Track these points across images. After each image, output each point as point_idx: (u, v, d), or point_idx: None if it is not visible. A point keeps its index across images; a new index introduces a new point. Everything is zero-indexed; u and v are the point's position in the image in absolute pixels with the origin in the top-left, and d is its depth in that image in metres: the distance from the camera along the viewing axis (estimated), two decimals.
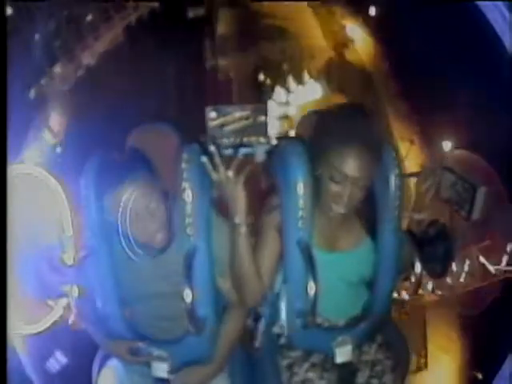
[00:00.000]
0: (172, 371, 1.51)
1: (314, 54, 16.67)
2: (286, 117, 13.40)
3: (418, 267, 1.44)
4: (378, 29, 16.08)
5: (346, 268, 1.48)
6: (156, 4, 19.00)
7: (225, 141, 1.58)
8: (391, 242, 1.47)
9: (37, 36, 14.21)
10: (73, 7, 15.41)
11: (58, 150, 10.89)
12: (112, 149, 1.43)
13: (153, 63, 13.50)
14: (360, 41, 17.49)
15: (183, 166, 1.36)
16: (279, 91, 13.87)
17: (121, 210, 1.28)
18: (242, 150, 1.61)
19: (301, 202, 1.34)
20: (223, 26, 17.27)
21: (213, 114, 1.60)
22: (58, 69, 14.70)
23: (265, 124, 1.61)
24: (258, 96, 13.80)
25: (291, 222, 1.37)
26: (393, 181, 1.41)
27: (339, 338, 1.51)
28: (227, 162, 1.35)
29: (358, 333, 1.53)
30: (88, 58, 15.72)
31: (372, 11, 16.81)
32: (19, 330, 1.44)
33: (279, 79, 14.79)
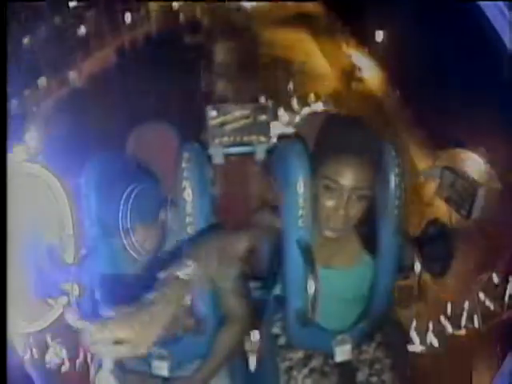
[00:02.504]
0: (172, 370, 1.51)
1: (319, 78, 16.48)
2: None
3: (417, 267, 1.44)
4: (386, 55, 15.82)
5: (341, 285, 1.47)
6: (152, 28, 18.68)
7: (225, 139, 1.59)
8: (391, 243, 1.47)
9: (25, 40, 13.90)
10: (65, 17, 15.06)
11: None
12: (113, 148, 1.43)
13: (145, 88, 13.17)
14: (368, 69, 17.27)
15: (183, 165, 1.36)
16: (283, 114, 13.34)
17: (121, 209, 1.28)
18: (243, 149, 1.62)
19: (301, 201, 1.34)
20: (221, 54, 16.90)
21: (213, 113, 1.61)
22: (43, 82, 14.35)
23: (265, 123, 1.61)
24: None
25: (291, 221, 1.37)
26: (393, 180, 1.40)
27: (339, 337, 1.52)
28: (227, 161, 1.35)
29: (357, 332, 1.54)
30: (75, 75, 15.40)
31: (379, 37, 16.58)
32: (19, 328, 1.44)
33: (282, 101, 14.38)
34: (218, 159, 1.64)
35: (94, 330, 0.86)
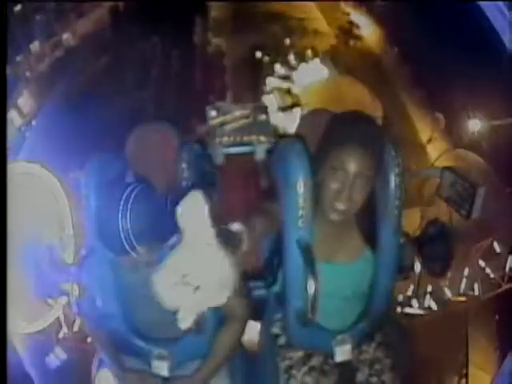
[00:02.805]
0: (172, 370, 1.51)
1: (317, 32, 16.20)
2: (288, 91, 12.72)
3: (417, 267, 1.44)
4: (384, 13, 15.60)
5: (342, 281, 1.47)
6: None
7: (225, 139, 1.59)
8: (391, 242, 1.47)
9: (17, 7, 13.49)
10: None
11: (27, 134, 10.34)
12: (113, 148, 1.43)
13: (139, 45, 12.86)
14: (366, 26, 17.07)
15: (183, 165, 1.36)
16: (279, 69, 13.19)
17: (121, 209, 1.28)
18: (243, 149, 1.62)
19: (301, 201, 1.34)
20: (217, 9, 16.65)
21: (213, 113, 1.60)
22: (35, 47, 13.91)
23: (265, 123, 1.61)
24: (255, 73, 13.15)
25: (291, 221, 1.37)
26: (393, 180, 1.40)
27: (339, 336, 1.52)
28: (227, 160, 1.35)
29: (357, 332, 1.54)
30: (68, 37, 14.86)
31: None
32: (19, 328, 1.44)
33: (279, 57, 14.15)
34: (218, 159, 1.65)
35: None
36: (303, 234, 1.36)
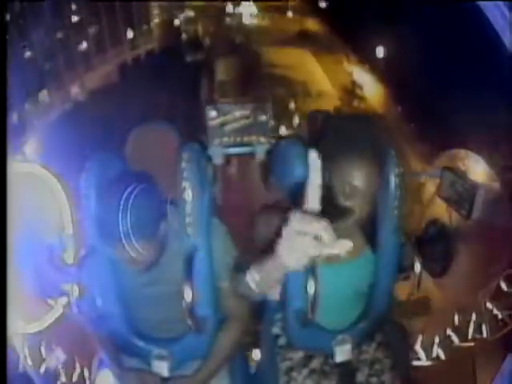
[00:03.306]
0: (172, 370, 1.51)
1: (321, 94, 16.28)
2: None
3: (417, 267, 1.44)
4: (387, 71, 15.63)
5: (343, 280, 1.48)
6: (154, 45, 18.52)
7: (225, 139, 1.58)
8: (391, 242, 1.47)
9: (28, 54, 13.67)
10: (68, 30, 14.76)
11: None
12: (113, 149, 1.43)
13: (146, 103, 13.00)
14: (369, 85, 17.12)
15: (183, 165, 1.36)
16: (285, 131, 13.18)
17: (121, 209, 1.28)
18: (243, 149, 1.62)
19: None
20: (223, 72, 16.71)
21: (213, 113, 1.60)
22: (44, 96, 14.11)
23: (265, 123, 1.61)
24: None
25: None
26: (393, 181, 1.40)
27: (339, 337, 1.52)
28: (227, 160, 1.35)
29: (357, 332, 1.54)
30: (77, 91, 15.10)
31: (379, 53, 16.45)
32: (19, 328, 1.44)
33: (284, 119, 14.26)
34: (218, 159, 1.65)
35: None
36: None
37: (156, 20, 19.95)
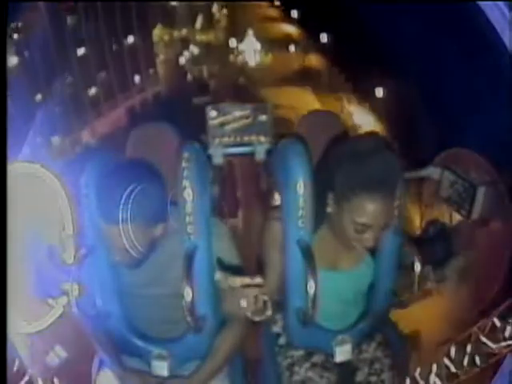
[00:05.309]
0: (172, 370, 1.51)
1: None
2: None
3: (417, 267, 1.44)
4: (386, 111, 15.83)
5: (344, 287, 1.49)
6: (161, 87, 18.88)
7: (225, 139, 1.58)
8: (391, 242, 1.47)
9: (38, 96, 13.85)
10: (76, 75, 14.97)
11: None
12: (113, 148, 1.43)
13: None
14: (368, 125, 17.31)
15: (183, 164, 1.36)
16: None
17: (121, 209, 1.28)
18: (243, 149, 1.62)
19: (301, 201, 1.34)
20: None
21: (213, 113, 1.60)
22: (56, 140, 14.38)
23: (265, 123, 1.61)
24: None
25: (291, 222, 1.37)
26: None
27: (339, 336, 1.52)
28: (227, 161, 1.35)
29: (357, 332, 1.54)
30: (87, 136, 15.39)
31: (379, 93, 16.68)
32: (19, 328, 1.44)
33: None
34: (218, 159, 1.65)
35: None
36: (303, 234, 1.36)
37: (162, 56, 20.17)
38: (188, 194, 1.37)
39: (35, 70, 14.06)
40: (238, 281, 1.22)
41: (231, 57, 21.96)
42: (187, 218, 1.38)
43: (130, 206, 1.28)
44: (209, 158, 1.68)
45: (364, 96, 18.30)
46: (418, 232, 1.61)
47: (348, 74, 18.64)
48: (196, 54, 21.77)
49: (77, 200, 1.42)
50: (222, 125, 1.63)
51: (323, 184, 1.34)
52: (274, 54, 22.21)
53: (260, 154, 1.69)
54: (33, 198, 1.45)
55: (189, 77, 20.85)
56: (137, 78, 18.79)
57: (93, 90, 16.97)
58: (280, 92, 19.00)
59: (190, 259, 1.36)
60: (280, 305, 1.51)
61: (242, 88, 19.24)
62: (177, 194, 1.39)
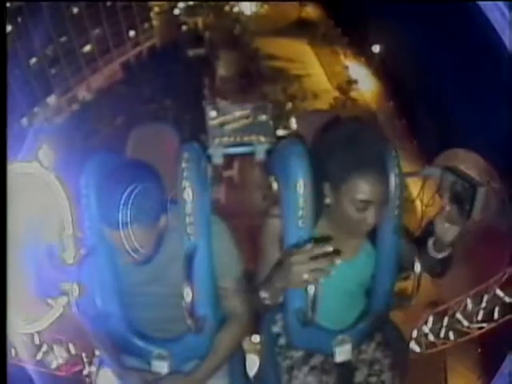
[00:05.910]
0: (172, 369, 1.51)
1: (317, 94, 16.52)
2: None
3: (417, 267, 1.45)
4: (381, 66, 15.84)
5: (346, 277, 1.49)
6: (156, 40, 18.84)
7: (225, 139, 1.58)
8: (391, 242, 1.47)
9: (33, 60, 13.88)
10: (71, 34, 15.04)
11: None
12: (113, 148, 1.43)
13: (150, 101, 13.24)
14: (363, 80, 17.29)
15: (183, 165, 1.36)
16: (282, 132, 13.58)
17: (121, 209, 1.28)
18: (243, 149, 1.62)
19: (301, 201, 1.34)
20: (223, 67, 16.90)
21: (213, 113, 1.60)
22: (52, 100, 14.41)
23: (265, 123, 1.61)
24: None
25: (291, 222, 1.37)
26: (393, 180, 1.41)
27: (339, 337, 1.52)
28: (227, 161, 1.35)
29: (357, 332, 1.54)
30: (83, 92, 15.41)
31: (375, 49, 16.68)
32: (19, 328, 1.44)
33: (281, 120, 14.48)
34: (218, 159, 1.64)
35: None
36: (303, 234, 1.36)
37: (156, 8, 19.90)
38: (188, 194, 1.37)
39: (29, 34, 13.98)
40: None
41: (226, 7, 21.59)
42: (187, 219, 1.38)
43: (130, 206, 1.28)
44: (209, 158, 1.68)
45: (360, 51, 18.11)
46: (418, 232, 1.61)
47: (344, 27, 18.38)
48: (191, 5, 21.31)
49: (77, 200, 1.42)
50: (222, 125, 1.63)
51: (318, 176, 1.36)
52: (270, 5, 21.89)
53: (260, 154, 1.69)
54: (33, 198, 1.45)
55: (184, 28, 20.50)
56: (132, 33, 18.65)
57: (88, 47, 16.94)
58: (275, 43, 18.80)
59: (190, 260, 1.36)
60: (280, 305, 1.51)
61: (236, 39, 18.95)
62: (177, 195, 1.39)
